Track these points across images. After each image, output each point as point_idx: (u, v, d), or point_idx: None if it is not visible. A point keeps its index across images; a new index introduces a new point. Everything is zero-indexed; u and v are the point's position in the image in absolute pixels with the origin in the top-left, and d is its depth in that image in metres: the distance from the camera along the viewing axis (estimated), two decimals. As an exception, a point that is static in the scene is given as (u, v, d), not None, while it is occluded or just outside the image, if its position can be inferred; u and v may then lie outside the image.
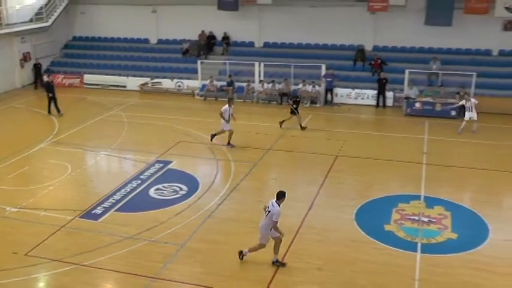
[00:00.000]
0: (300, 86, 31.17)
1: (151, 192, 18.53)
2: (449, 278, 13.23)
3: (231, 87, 32.05)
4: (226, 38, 36.21)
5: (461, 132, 25.07)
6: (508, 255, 14.45)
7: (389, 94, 30.68)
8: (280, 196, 13.30)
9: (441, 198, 18.01)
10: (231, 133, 22.93)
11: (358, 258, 14.18)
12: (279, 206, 13.11)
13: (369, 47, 34.06)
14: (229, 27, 36.12)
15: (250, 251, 13.78)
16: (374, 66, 32.30)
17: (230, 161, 21.44)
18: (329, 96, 31.22)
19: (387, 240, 15.14)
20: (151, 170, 20.41)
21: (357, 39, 33.89)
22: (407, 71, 30.05)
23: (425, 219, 16.44)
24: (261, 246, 13.63)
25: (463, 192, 19.28)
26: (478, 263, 14.03)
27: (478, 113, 25.23)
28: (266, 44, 36.22)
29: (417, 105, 28.71)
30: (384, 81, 30.36)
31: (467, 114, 25.34)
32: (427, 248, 14.75)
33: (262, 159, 21.75)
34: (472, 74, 29.41)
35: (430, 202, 17.64)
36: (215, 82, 32.60)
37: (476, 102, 25.43)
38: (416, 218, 16.56)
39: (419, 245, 14.93)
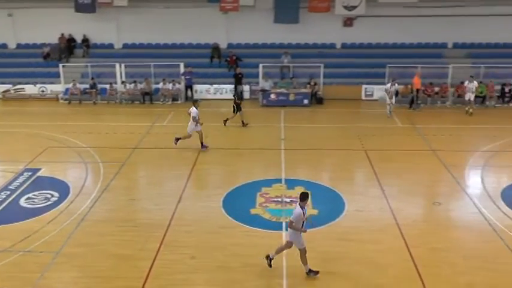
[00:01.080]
0: (161, 84, 31.00)
1: (22, 202, 17.23)
2: (312, 250, 13.46)
3: (94, 90, 31.01)
4: (86, 40, 34.89)
5: (391, 115, 27.14)
6: (360, 224, 15.22)
7: (245, 87, 31.30)
8: (303, 197, 12.37)
9: (300, 179, 18.59)
10: (201, 134, 21.94)
11: (228, 243, 14.20)
12: (302, 207, 12.29)
13: (223, 45, 34.44)
14: (88, 29, 34.85)
15: (304, 263, 12.72)
16: (230, 63, 32.77)
17: (99, 163, 20.57)
18: (189, 92, 31.28)
19: (254, 223, 15.32)
20: (20, 180, 18.97)
21: (212, 38, 34.11)
22: (261, 65, 30.89)
23: (288, 200, 16.83)
24: (303, 251, 12.66)
25: (319, 172, 19.99)
26: (337, 233, 14.66)
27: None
28: (125, 45, 35.40)
29: (272, 96, 29.48)
30: (240, 75, 30.92)
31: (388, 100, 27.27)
32: (291, 226, 15.15)
33: (130, 158, 21.16)
34: (319, 66, 30.82)
35: (291, 184, 18.09)
36: (78, 85, 31.39)
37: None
38: (279, 199, 16.92)
39: (284, 224, 15.22)
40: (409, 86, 29.58)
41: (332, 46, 34.62)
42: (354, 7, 32.53)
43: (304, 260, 12.69)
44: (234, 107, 25.42)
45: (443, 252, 13.77)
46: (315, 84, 30.55)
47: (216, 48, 33.75)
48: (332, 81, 31.55)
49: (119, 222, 15.63)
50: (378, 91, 31.02)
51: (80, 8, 33.22)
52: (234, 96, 26.09)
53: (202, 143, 21.97)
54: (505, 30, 33.16)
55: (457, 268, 13.02)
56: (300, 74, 31.75)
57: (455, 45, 34.18)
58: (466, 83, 28.20)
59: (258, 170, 19.80)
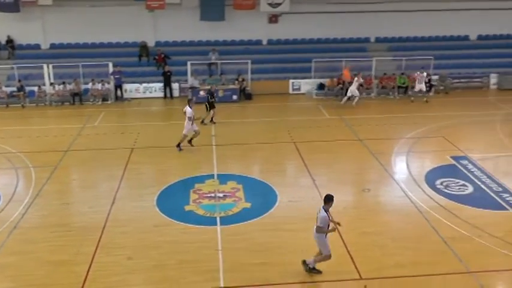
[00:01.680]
0: (90, 84, 30.18)
1: None
2: (248, 243, 13.67)
3: (22, 92, 29.75)
4: (10, 41, 33.15)
5: (344, 103, 27.91)
6: (293, 214, 15.38)
7: (175, 85, 31.09)
8: (327, 200, 11.97)
9: (232, 173, 18.59)
10: (197, 133, 21.31)
11: (164, 241, 14.02)
12: (326, 211, 11.89)
13: (151, 43, 33.87)
14: (12, 29, 33.02)
15: (315, 261, 12.29)
16: (158, 61, 32.29)
17: (30, 168, 19.71)
18: (119, 92, 30.64)
19: (189, 220, 15.20)
20: None
21: (140, 36, 33.47)
22: (189, 63, 30.68)
23: (221, 195, 16.80)
24: (327, 257, 12.18)
25: (251, 166, 20.08)
26: (271, 224, 14.74)
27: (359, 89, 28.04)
28: (52, 46, 33.94)
29: (201, 93, 29.17)
30: (169, 73, 30.62)
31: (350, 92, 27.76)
32: (226, 220, 15.11)
33: (62, 161, 20.44)
34: (247, 62, 30.96)
35: (223, 179, 18.07)
36: (4, 88, 29.94)
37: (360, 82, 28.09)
38: (213, 195, 16.86)
39: (218, 218, 15.23)
40: (335, 80, 30.34)
41: (258, 42, 34.80)
42: (279, 4, 32.84)
43: (318, 260, 12.33)
44: (206, 105, 24.90)
45: (373, 235, 14.16)
46: (243, 80, 30.64)
47: (144, 46, 33.18)
48: (260, 76, 31.76)
49: (52, 228, 15.07)
50: (305, 85, 31.51)
51: (2, 8, 31.48)
52: (207, 95, 25.56)
53: (190, 140, 21.46)
54: (422, 25, 34.53)
55: (386, 250, 13.44)
56: (228, 71, 31.78)
57: (378, 40, 35.15)
58: (417, 74, 29.43)
59: (190, 167, 19.62)
